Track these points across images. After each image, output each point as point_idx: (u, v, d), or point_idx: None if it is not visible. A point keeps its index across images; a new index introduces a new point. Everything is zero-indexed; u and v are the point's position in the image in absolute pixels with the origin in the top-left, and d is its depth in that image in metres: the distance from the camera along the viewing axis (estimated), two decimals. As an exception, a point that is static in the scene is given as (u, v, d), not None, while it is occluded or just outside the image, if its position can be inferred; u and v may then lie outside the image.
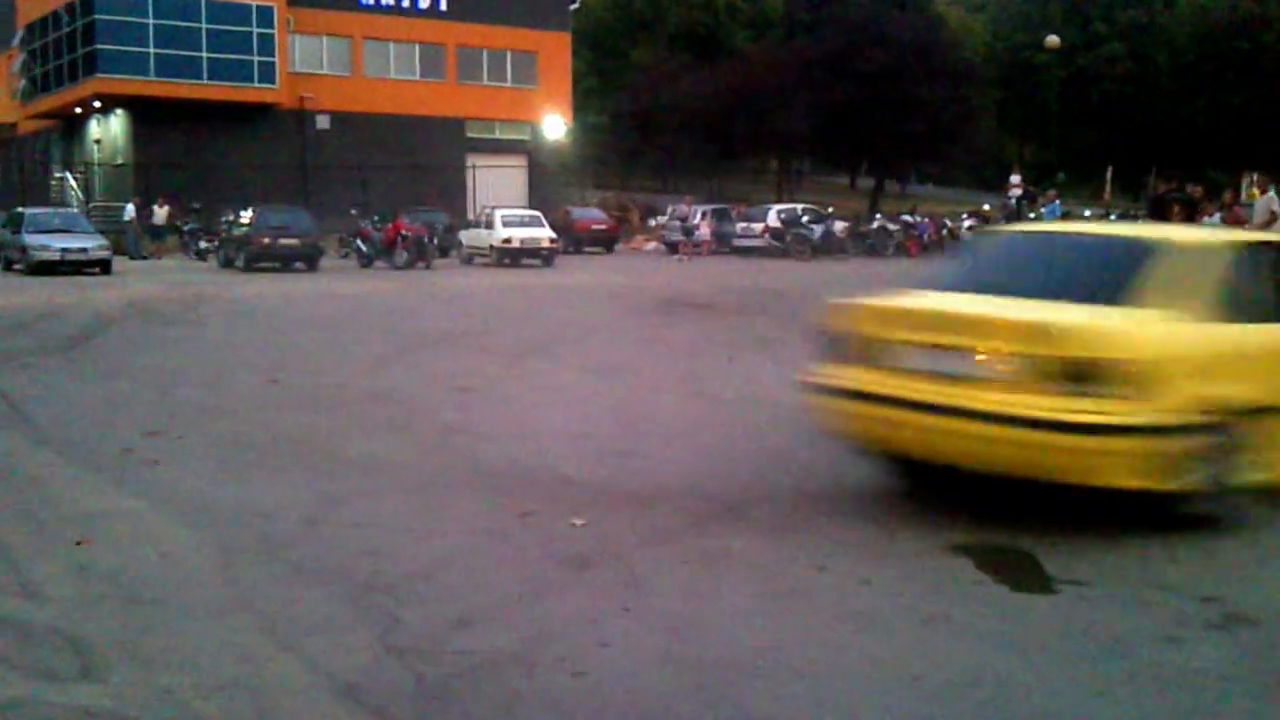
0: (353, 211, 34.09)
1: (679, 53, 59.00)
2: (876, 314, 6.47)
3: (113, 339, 14.57)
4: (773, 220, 36.47)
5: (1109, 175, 49.90)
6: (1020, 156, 59.80)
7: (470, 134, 47.31)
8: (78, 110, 44.71)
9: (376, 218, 32.06)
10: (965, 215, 39.10)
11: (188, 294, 21.05)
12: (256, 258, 28.61)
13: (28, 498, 6.56)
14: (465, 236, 34.11)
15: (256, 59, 42.65)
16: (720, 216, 39.02)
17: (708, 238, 36.68)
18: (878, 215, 40.96)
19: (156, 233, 36.16)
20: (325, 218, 32.79)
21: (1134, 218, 31.23)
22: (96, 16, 40.59)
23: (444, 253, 32.99)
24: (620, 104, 56.48)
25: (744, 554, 5.50)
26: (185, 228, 35.59)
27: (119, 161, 43.07)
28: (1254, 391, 5.78)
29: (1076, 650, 4.30)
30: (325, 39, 45.04)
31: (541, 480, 7.04)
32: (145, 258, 34.61)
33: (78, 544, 5.60)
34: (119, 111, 43.05)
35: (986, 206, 43.97)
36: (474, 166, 45.82)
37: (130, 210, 35.52)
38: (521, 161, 48.00)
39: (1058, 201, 31.19)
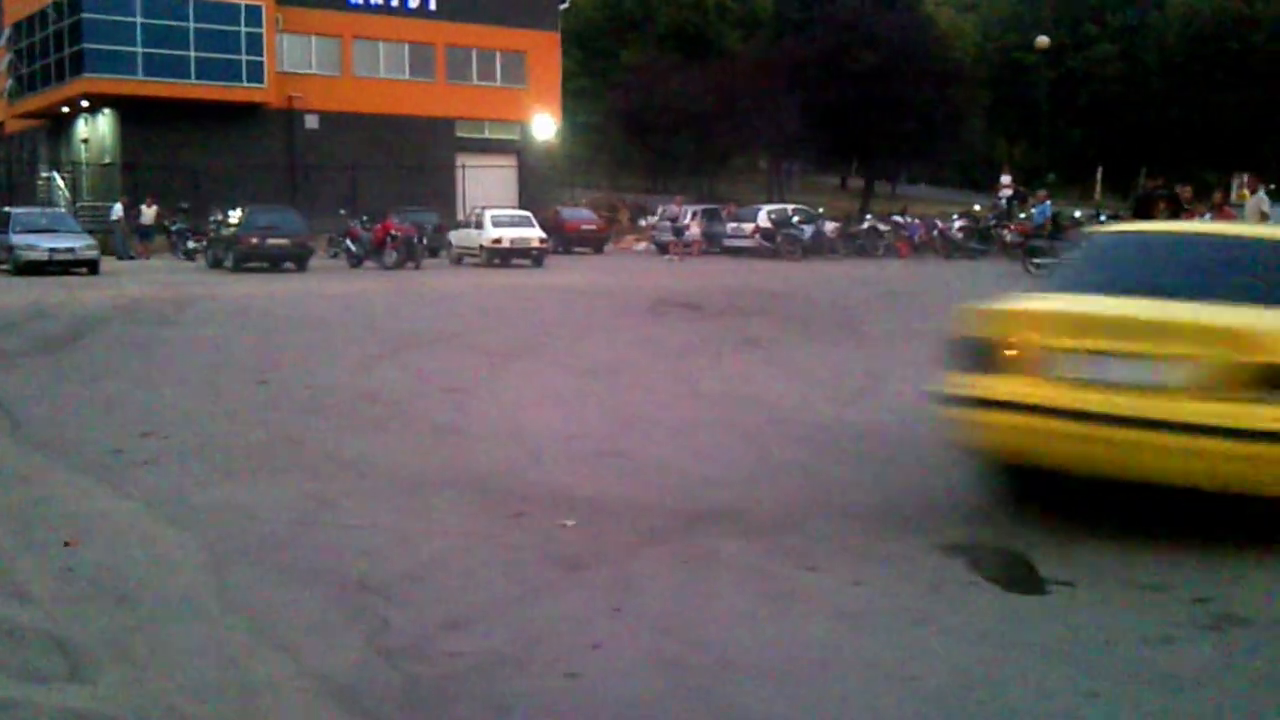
0: (342, 211, 34.04)
1: (669, 52, 58.96)
2: (1030, 319, 6.03)
3: (101, 340, 14.51)
4: (763, 221, 36.50)
5: (1099, 176, 50.01)
6: (1010, 157, 59.99)
7: (460, 134, 47.27)
8: (65, 110, 44.57)
9: (365, 218, 32.01)
10: (956, 216, 39.13)
11: (176, 294, 20.98)
12: (245, 258, 28.54)
13: (16, 498, 6.53)
14: (455, 237, 34.06)
15: (245, 58, 42.54)
16: (710, 217, 39.05)
17: (698, 238, 36.71)
18: (868, 216, 40.98)
19: (144, 233, 36.04)
20: (314, 218, 32.72)
21: (1121, 218, 31.26)
22: (84, 15, 40.45)
23: (433, 253, 32.95)
24: (610, 104, 56.47)
25: (736, 555, 5.49)
26: (173, 228, 35.48)
27: (106, 161, 42.94)
28: None
29: (1068, 651, 4.30)
30: (314, 38, 44.95)
31: (533, 481, 7.03)
32: (133, 258, 34.52)
33: (66, 545, 5.57)
34: (107, 111, 42.91)
35: (977, 207, 44.05)
36: (464, 166, 45.81)
37: (118, 210, 35.43)
38: (511, 161, 47.99)
39: (1048, 202, 31.27)
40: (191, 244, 33.97)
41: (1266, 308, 5.65)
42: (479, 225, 32.22)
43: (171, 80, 41.05)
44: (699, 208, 40.29)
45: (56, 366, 12.16)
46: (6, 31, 48.22)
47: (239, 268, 28.40)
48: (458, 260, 33.11)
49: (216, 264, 30.06)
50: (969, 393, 5.97)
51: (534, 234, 31.73)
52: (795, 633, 4.52)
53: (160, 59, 41.01)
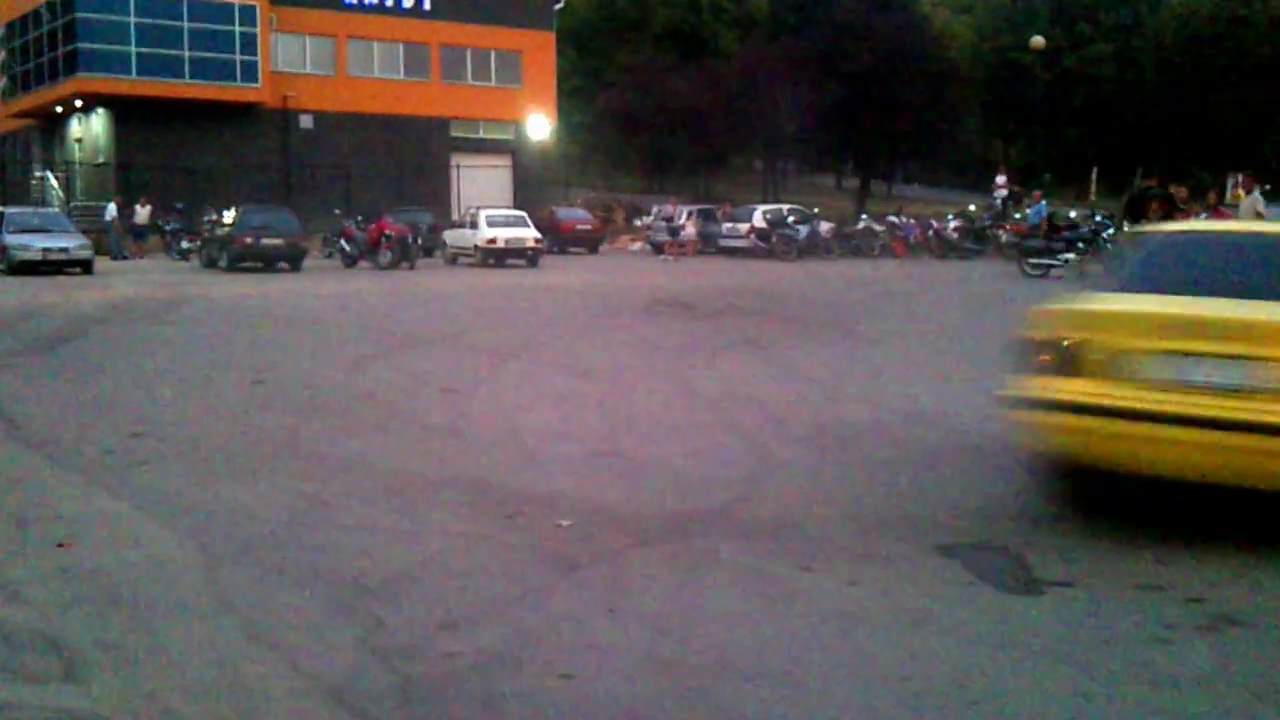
0: (336, 211, 33.99)
1: (664, 52, 59.04)
2: (1105, 320, 5.89)
3: (95, 339, 14.48)
4: (758, 221, 36.53)
5: (1094, 176, 50.11)
6: (1006, 157, 60.01)
7: (454, 134, 47.27)
8: (58, 109, 44.50)
9: (360, 217, 31.99)
10: (951, 216, 39.17)
11: (170, 294, 20.96)
12: (239, 258, 28.51)
13: (9, 499, 6.50)
14: (450, 236, 34.04)
15: (239, 58, 42.52)
16: (706, 217, 39.10)
17: (693, 238, 36.72)
18: (863, 216, 41.01)
19: (138, 233, 36.01)
20: (309, 218, 32.73)
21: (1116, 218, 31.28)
22: (77, 15, 40.41)
23: (428, 253, 32.94)
24: (605, 104, 56.49)
25: (732, 555, 5.48)
26: (167, 228, 35.46)
27: (100, 161, 42.88)
28: None
29: (1064, 651, 4.29)
30: (308, 38, 44.91)
31: (529, 481, 7.01)
32: (127, 258, 34.47)
33: (59, 545, 5.55)
34: (100, 110, 42.85)
35: (972, 207, 44.07)
36: (458, 166, 45.81)
37: (112, 210, 35.37)
38: (506, 161, 47.99)
39: (1043, 202, 31.28)
40: (185, 244, 33.94)
41: None
42: (474, 225, 32.21)
43: (165, 80, 41.01)
44: (694, 208, 40.34)
45: (51, 367, 12.13)
46: (0, 31, 48.15)
47: (233, 268, 28.37)
48: (452, 260, 33.10)
49: (211, 264, 30.04)
50: (1039, 395, 5.83)
51: (529, 234, 31.72)
52: (792, 633, 4.51)
53: (154, 58, 40.97)
